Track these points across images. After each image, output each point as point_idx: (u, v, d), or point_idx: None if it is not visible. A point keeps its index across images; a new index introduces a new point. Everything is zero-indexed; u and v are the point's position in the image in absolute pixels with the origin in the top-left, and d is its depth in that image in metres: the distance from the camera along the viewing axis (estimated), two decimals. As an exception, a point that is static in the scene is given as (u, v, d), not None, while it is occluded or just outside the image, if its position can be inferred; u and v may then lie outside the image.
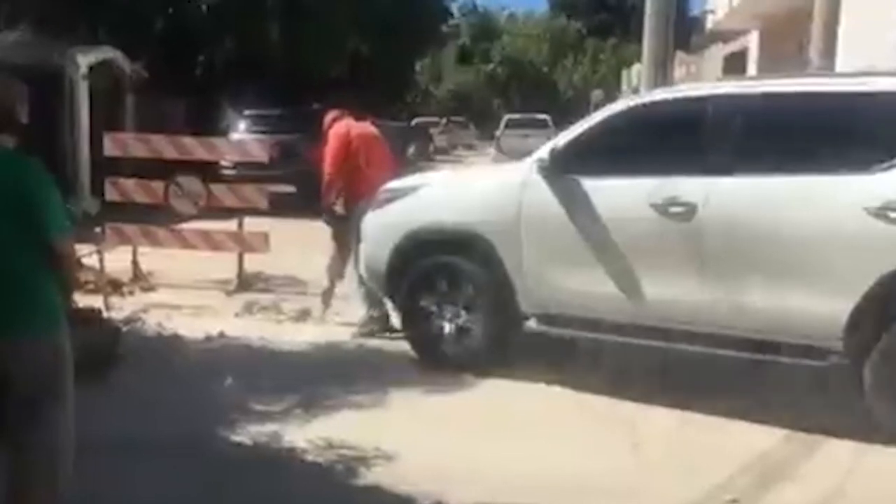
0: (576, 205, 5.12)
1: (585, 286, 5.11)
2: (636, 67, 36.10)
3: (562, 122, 32.69)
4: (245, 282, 8.21)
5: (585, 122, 5.30)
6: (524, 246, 5.29)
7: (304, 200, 13.71)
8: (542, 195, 5.22)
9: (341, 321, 6.78)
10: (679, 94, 5.13)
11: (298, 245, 9.99)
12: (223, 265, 8.43)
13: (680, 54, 19.19)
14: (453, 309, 5.62)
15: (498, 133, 28.74)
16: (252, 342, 6.26)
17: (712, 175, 4.74)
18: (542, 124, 28.48)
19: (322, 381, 5.32)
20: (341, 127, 6.78)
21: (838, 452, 4.27)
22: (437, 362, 5.61)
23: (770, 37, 16.84)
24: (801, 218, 4.51)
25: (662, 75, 10.31)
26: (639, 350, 5.10)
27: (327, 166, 6.75)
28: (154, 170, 8.51)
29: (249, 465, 4.09)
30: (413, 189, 5.87)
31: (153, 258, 8.46)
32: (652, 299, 4.90)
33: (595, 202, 5.05)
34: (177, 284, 8.18)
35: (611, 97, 41.19)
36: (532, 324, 5.45)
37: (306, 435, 4.42)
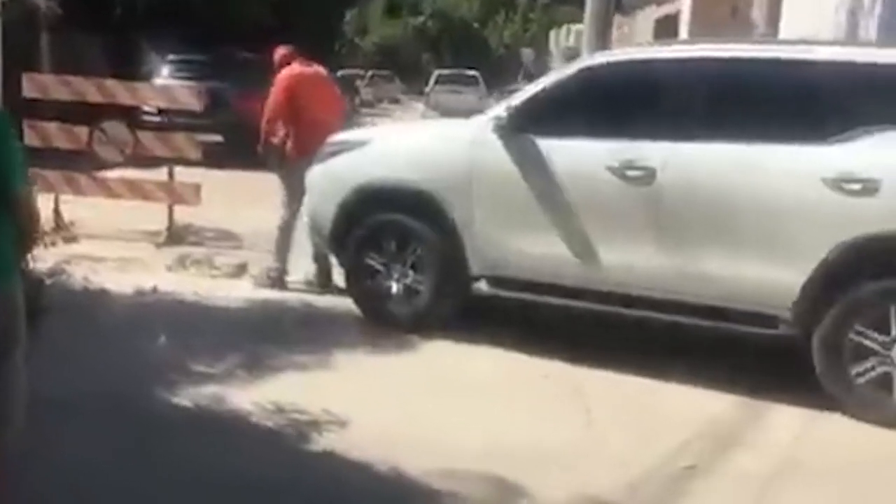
0: (531, 165, 4.99)
1: (539, 248, 5.01)
2: (566, 28, 36.19)
3: (492, 79, 32.72)
4: (175, 234, 7.87)
5: (543, 81, 5.17)
6: (475, 205, 5.16)
7: (233, 151, 13.44)
8: (497, 153, 5.08)
9: (278, 274, 6.54)
10: (639, 56, 5.02)
11: (228, 197, 9.68)
12: (150, 216, 8.07)
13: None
14: (401, 268, 5.47)
15: (427, 88, 28.43)
16: (186, 298, 5.99)
17: (671, 140, 4.67)
18: (473, 81, 28.30)
19: (263, 341, 5.12)
20: (289, 70, 6.48)
21: (790, 420, 4.31)
22: (383, 322, 5.46)
23: (702, 1, 16.95)
24: (757, 186, 4.48)
25: (604, 37, 10.25)
26: (592, 315, 5.04)
27: (267, 109, 6.45)
28: (76, 114, 8.03)
29: (193, 428, 3.90)
30: (361, 143, 5.66)
31: (76, 207, 8.03)
32: (607, 264, 4.83)
33: (551, 163, 4.94)
34: (102, 235, 7.78)
35: (541, 57, 41.32)
36: (482, 286, 5.35)
37: (251, 397, 4.22)
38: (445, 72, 29.14)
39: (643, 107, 4.83)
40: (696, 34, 16.92)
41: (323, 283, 6.40)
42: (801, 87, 4.48)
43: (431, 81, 28.56)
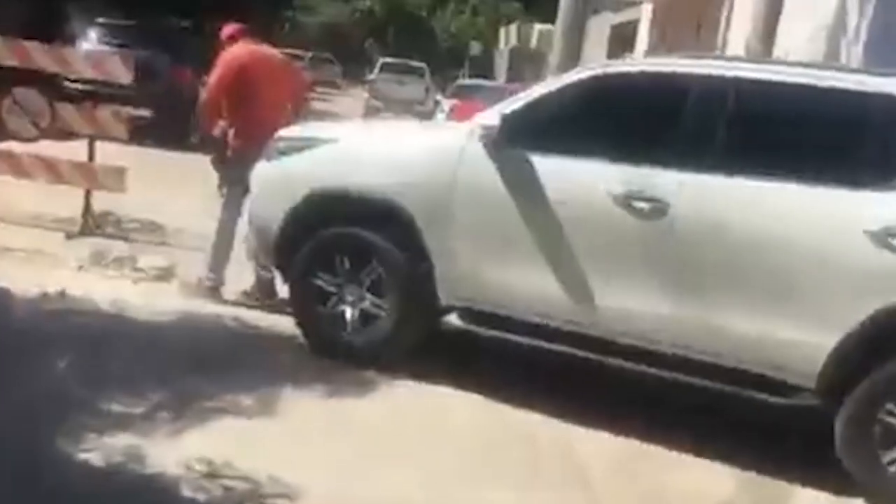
0: (522, 184, 4.30)
1: (524, 282, 4.32)
2: (514, 26, 35.65)
3: (437, 70, 31.91)
4: (91, 224, 6.93)
5: (542, 87, 4.46)
6: (454, 224, 4.43)
7: (164, 128, 12.43)
8: (484, 167, 4.36)
9: (214, 284, 5.68)
10: (657, 68, 4.34)
11: (156, 180, 8.69)
12: (65, 199, 7.09)
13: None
14: (357, 291, 4.70)
15: (372, 76, 27.50)
16: (101, 307, 5.10)
17: (689, 169, 4.03)
18: (419, 72, 27.48)
19: (193, 371, 4.28)
20: (236, 49, 5.63)
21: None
22: (334, 354, 4.70)
23: (664, 13, 16.52)
24: (788, 232, 3.87)
25: (576, 40, 9.66)
26: (582, 363, 4.36)
27: (207, 90, 5.60)
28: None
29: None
30: (322, 140, 4.85)
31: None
32: (604, 307, 4.17)
33: (545, 184, 4.24)
34: (5, 219, 6.80)
35: (488, 52, 40.66)
36: (453, 318, 4.63)
37: (178, 453, 3.41)
38: (391, 60, 28.22)
39: (658, 128, 4.16)
40: (655, 47, 16.51)
41: (265, 295, 5.59)
42: (849, 122, 3.89)
43: (376, 69, 27.62)
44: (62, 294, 5.18)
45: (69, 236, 6.67)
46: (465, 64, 37.59)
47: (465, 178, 4.41)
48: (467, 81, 23.62)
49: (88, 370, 4.10)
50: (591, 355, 4.30)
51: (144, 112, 12.59)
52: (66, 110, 6.79)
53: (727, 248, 3.94)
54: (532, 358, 4.57)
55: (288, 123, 5.28)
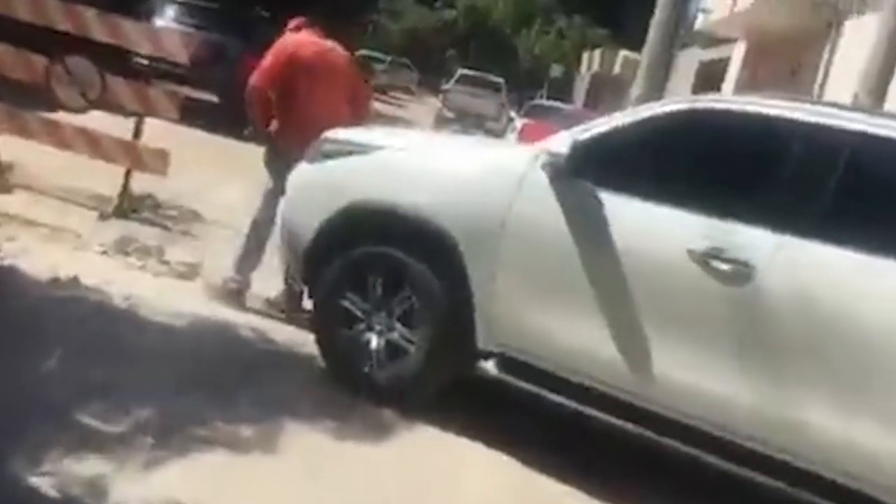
0: (586, 223, 3.75)
1: (575, 336, 3.76)
2: (598, 52, 34.97)
3: (515, 89, 31.41)
4: (126, 206, 6.56)
5: (622, 117, 3.90)
6: (502, 259, 3.89)
7: (226, 114, 12.11)
8: (543, 198, 3.82)
9: (238, 287, 5.23)
10: (765, 109, 3.71)
11: (206, 168, 8.37)
12: (109, 176, 6.77)
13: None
14: (386, 319, 4.19)
15: (447, 86, 27.12)
16: (113, 301, 4.68)
17: (786, 231, 3.44)
18: (496, 87, 27.02)
19: (194, 387, 3.83)
20: (291, 38, 5.19)
21: None
22: (353, 386, 4.19)
23: (757, 54, 15.77)
24: (897, 325, 3.25)
25: (661, 73, 9.07)
26: (630, 439, 3.79)
27: (253, 77, 5.16)
28: (37, 41, 6.71)
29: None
30: (365, 147, 4.37)
31: (21, 149, 6.70)
32: (665, 379, 3.58)
33: (613, 227, 3.69)
34: (41, 190, 6.49)
35: (569, 75, 40.04)
36: (489, 365, 4.09)
37: (146, 489, 2.93)
38: (469, 72, 27.79)
39: (755, 178, 3.56)
40: (745, 88, 15.78)
41: (292, 307, 5.13)
42: None
43: (453, 80, 27.22)
44: (74, 280, 4.78)
45: (102, 216, 6.31)
46: (544, 85, 37.02)
47: (522, 207, 3.88)
48: (543, 102, 23.06)
49: (73, 374, 3.65)
50: (641, 430, 3.72)
51: (208, 96, 12.40)
52: (117, 84, 6.44)
53: (818, 331, 3.33)
54: (573, 422, 3.99)
55: (345, 126, 4.82)
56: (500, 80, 27.57)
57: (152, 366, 3.98)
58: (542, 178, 3.86)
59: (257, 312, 5.13)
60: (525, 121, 16.42)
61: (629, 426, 3.77)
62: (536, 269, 3.87)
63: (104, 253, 5.50)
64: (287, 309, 5.15)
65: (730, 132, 3.65)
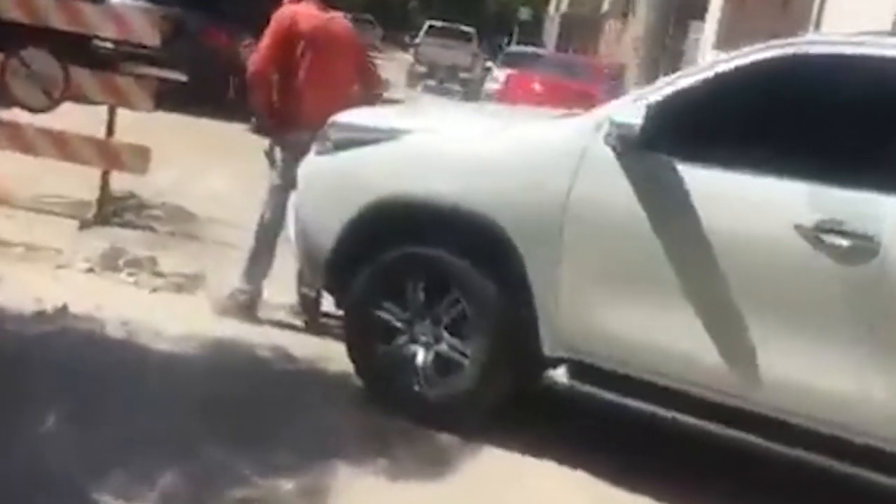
0: (668, 204, 3.19)
1: (659, 335, 3.21)
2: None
3: (483, 37, 30.51)
4: (107, 211, 5.91)
5: (696, 73, 3.30)
6: (566, 252, 3.33)
7: (197, 94, 11.38)
8: (612, 178, 3.25)
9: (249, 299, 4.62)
10: (880, 51, 3.08)
11: (186, 155, 7.69)
12: (81, 176, 6.10)
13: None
14: (432, 329, 3.63)
15: (417, 40, 26.27)
16: (108, 331, 4.06)
17: (916, 196, 2.89)
18: (467, 37, 26.23)
19: (218, 433, 3.24)
20: (289, 9, 4.52)
21: None
22: (399, 406, 3.64)
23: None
24: None
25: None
26: (731, 446, 3.27)
27: (255, 55, 4.52)
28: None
29: None
30: (387, 131, 3.75)
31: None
32: (771, 377, 3.05)
33: (702, 205, 3.12)
34: (7, 202, 5.81)
35: (538, 18, 39.06)
36: (559, 374, 3.54)
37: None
38: (437, 24, 26.89)
39: (872, 134, 2.99)
40: (730, 22, 15.16)
41: (310, 316, 4.55)
42: None
43: (421, 33, 26.36)
44: (62, 311, 4.16)
45: (82, 225, 5.66)
46: (513, 30, 36.08)
47: (585, 189, 3.30)
48: (518, 49, 22.30)
49: (77, 436, 3.06)
50: (744, 436, 3.21)
51: (176, 75, 11.63)
52: (82, 76, 5.73)
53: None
54: (661, 432, 3.46)
55: (356, 105, 4.20)
56: (471, 29, 26.72)
57: (166, 412, 3.38)
58: (607, 154, 3.28)
59: (273, 324, 4.55)
60: (508, 71, 15.69)
61: (718, 429, 3.26)
62: (609, 259, 3.31)
63: (90, 270, 4.87)
64: (306, 318, 4.57)
65: (840, 81, 3.05)
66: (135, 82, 5.86)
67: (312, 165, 3.90)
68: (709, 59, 13.81)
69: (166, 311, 4.44)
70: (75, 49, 6.62)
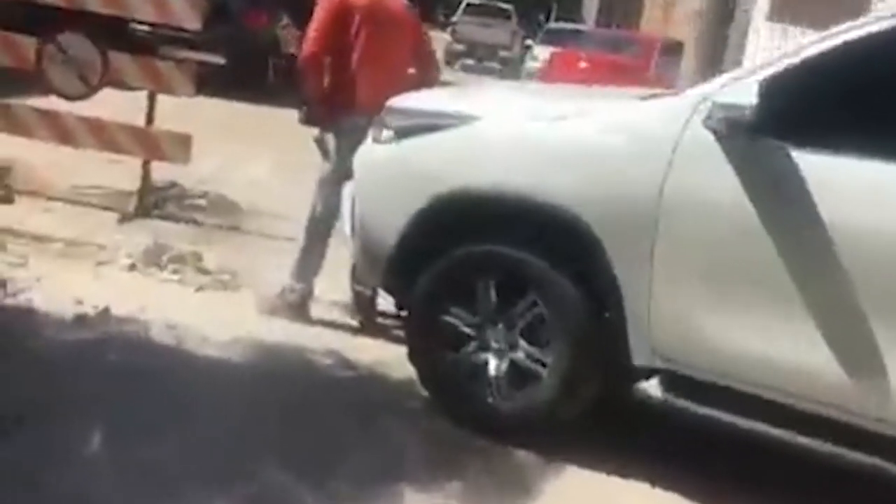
0: (784, 198, 2.81)
1: (775, 344, 2.84)
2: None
3: (522, 14, 29.92)
4: (148, 203, 5.64)
5: (817, 44, 2.90)
6: (661, 249, 2.97)
7: (236, 77, 11.12)
8: (714, 168, 2.88)
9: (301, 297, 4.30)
10: None
11: (227, 142, 7.42)
12: (121, 166, 5.86)
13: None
14: (506, 335, 3.29)
15: (454, 18, 25.79)
16: (154, 335, 3.77)
17: None
18: (505, 14, 25.72)
19: (277, 454, 2.93)
20: None
21: None
22: (469, 419, 3.31)
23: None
24: None
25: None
26: (838, 464, 2.89)
27: (306, 43, 4.18)
28: (24, 19, 5.73)
29: None
30: (453, 117, 3.40)
31: (16, 146, 5.74)
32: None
33: (825, 198, 2.74)
34: (48, 193, 5.57)
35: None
36: (650, 386, 3.18)
37: None
38: (476, 1, 26.35)
39: None
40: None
41: (365, 315, 4.24)
42: None
43: (459, 10, 25.86)
44: (104, 313, 3.88)
45: (122, 219, 5.39)
46: (551, 6, 35.33)
47: (683, 181, 2.93)
48: (559, 25, 21.72)
49: (127, 460, 2.77)
50: (857, 456, 2.84)
51: (215, 58, 11.36)
52: (122, 61, 5.45)
53: None
54: (763, 450, 3.09)
55: (412, 90, 3.85)
56: (509, 6, 26.16)
57: (216, 426, 3.09)
58: (707, 139, 2.90)
59: (326, 324, 4.24)
60: (552, 49, 15.21)
61: (826, 448, 2.89)
62: (711, 258, 2.94)
63: (133, 268, 4.59)
64: (361, 318, 4.26)
65: None
66: (175, 67, 5.56)
67: (372, 155, 3.56)
68: (762, 31, 13.20)
69: (213, 312, 4.15)
70: (113, 33, 6.36)
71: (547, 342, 3.21)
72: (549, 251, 3.15)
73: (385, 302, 4.18)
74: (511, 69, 21.83)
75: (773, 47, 13.61)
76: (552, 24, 22.18)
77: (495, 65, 23.99)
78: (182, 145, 5.48)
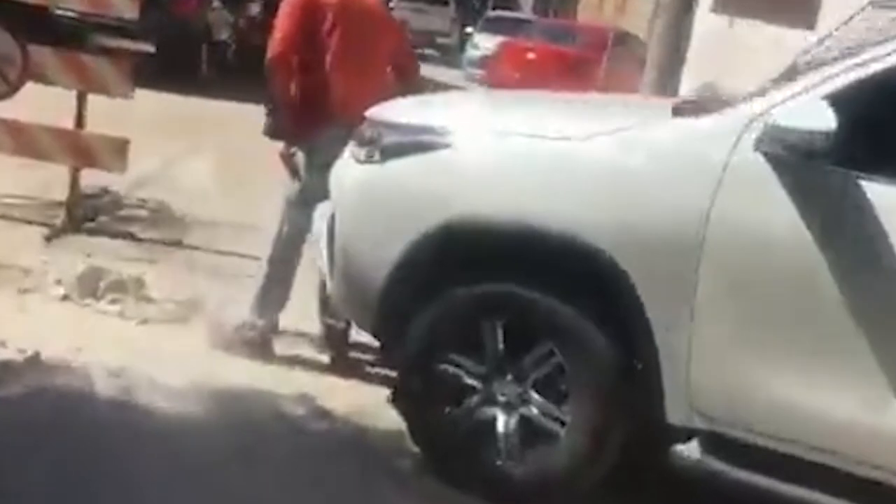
0: (855, 236, 2.41)
1: (843, 404, 2.45)
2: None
3: (461, 2, 29.37)
4: (78, 215, 5.00)
5: (887, 51, 2.49)
6: (704, 291, 2.54)
7: (166, 66, 10.37)
8: (769, 200, 2.47)
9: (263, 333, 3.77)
10: None
11: (160, 137, 6.73)
12: (46, 171, 5.17)
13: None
14: (514, 387, 2.83)
15: (391, 4, 25.10)
16: (95, 387, 3.20)
17: None
18: (442, 1, 25.03)
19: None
20: None
21: None
22: (473, 486, 2.85)
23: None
24: None
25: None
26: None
27: (272, 43, 3.62)
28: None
29: None
30: (461, 135, 2.90)
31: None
32: None
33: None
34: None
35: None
36: (689, 449, 2.75)
37: None
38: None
39: None
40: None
41: (337, 351, 3.74)
42: None
43: (394, -5, 25.20)
44: (34, 360, 3.30)
45: (49, 235, 4.75)
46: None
47: (732, 213, 2.51)
48: (500, 13, 21.30)
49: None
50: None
51: (144, 46, 10.61)
52: (44, 56, 4.79)
53: None
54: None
55: (388, 98, 3.35)
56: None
57: (173, 497, 2.58)
58: (761, 164, 2.49)
59: (292, 362, 3.72)
60: (498, 38, 14.77)
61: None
62: (764, 299, 2.53)
63: (65, 297, 3.99)
64: (333, 353, 3.76)
65: None
66: (109, 62, 4.92)
67: (356, 175, 3.04)
68: (707, 23, 12.86)
69: (160, 350, 3.60)
70: (33, 21, 5.67)
71: (565, 396, 2.77)
72: (568, 290, 2.70)
73: (357, 333, 3.71)
74: (451, 57, 21.33)
75: (719, 41, 13.44)
76: (492, 13, 21.74)
77: (433, 52, 23.46)
78: (118, 152, 4.86)
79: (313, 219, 3.44)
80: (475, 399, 2.88)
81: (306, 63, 3.54)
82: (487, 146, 2.82)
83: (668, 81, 7.84)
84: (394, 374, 3.58)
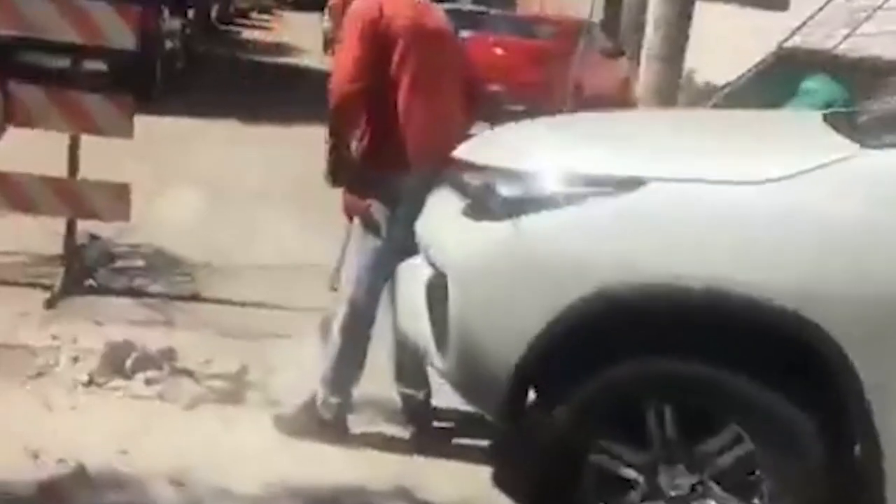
0: None
1: None
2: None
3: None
4: (76, 272, 4.36)
5: None
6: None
7: (119, 84, 9.56)
8: None
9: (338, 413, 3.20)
10: None
11: (127, 164, 5.72)
12: (28, 221, 4.53)
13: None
14: (689, 478, 2.37)
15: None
16: (154, 498, 2.66)
17: None
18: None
19: None
20: (366, 4, 3.09)
21: None
22: None
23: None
24: None
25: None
26: None
27: (337, 77, 3.07)
28: None
29: None
30: (609, 183, 2.36)
31: None
32: None
33: None
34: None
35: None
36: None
37: None
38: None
39: None
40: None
41: (418, 424, 3.23)
42: None
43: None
44: (81, 474, 2.70)
45: (50, 301, 4.09)
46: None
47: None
48: (452, 6, 20.63)
49: None
50: None
51: (97, 65, 9.83)
52: (31, 95, 4.12)
53: None
54: None
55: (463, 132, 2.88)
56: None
57: None
58: None
59: (370, 443, 3.19)
60: (464, 33, 14.19)
61: None
62: None
63: (90, 383, 3.38)
64: (413, 427, 3.25)
65: None
66: (106, 101, 4.25)
67: (478, 236, 2.51)
68: (699, 10, 12.60)
69: (218, 443, 3.04)
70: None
71: (759, 492, 2.32)
72: (762, 368, 2.25)
73: (438, 400, 3.23)
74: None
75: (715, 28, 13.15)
76: (446, 5, 21.04)
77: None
78: (118, 198, 4.26)
79: (397, 282, 2.94)
80: (633, 495, 2.41)
81: (376, 98, 2.99)
82: (655, 197, 2.31)
83: (671, 75, 7.50)
84: (483, 443, 3.18)
